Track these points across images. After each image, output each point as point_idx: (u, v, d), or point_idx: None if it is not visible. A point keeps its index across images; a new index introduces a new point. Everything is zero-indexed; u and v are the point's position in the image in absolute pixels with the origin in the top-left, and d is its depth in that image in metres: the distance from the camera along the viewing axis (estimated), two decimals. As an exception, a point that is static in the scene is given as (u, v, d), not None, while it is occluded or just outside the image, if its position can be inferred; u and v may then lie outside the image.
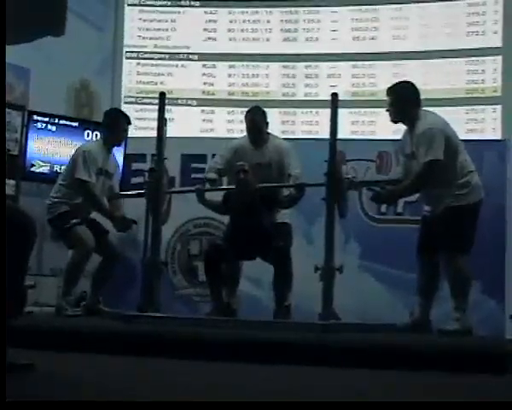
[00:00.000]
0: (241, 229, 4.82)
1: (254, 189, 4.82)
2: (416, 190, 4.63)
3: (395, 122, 4.70)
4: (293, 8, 7.18)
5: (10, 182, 5.75)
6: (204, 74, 7.22)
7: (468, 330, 4.38)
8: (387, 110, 4.69)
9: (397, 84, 4.74)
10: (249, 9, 7.22)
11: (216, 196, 5.10)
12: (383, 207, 5.75)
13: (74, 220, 5.01)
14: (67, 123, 6.34)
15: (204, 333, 4.06)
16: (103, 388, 2.68)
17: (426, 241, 4.58)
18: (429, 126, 4.51)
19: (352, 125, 6.80)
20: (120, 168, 5.61)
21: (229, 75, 7.16)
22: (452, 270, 4.45)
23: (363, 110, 6.83)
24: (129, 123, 5.27)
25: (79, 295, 5.35)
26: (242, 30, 7.20)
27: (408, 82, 4.76)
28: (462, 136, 6.24)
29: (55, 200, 5.12)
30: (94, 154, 5.10)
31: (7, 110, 5.59)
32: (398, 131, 4.79)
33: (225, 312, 4.81)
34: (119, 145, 5.37)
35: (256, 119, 5.09)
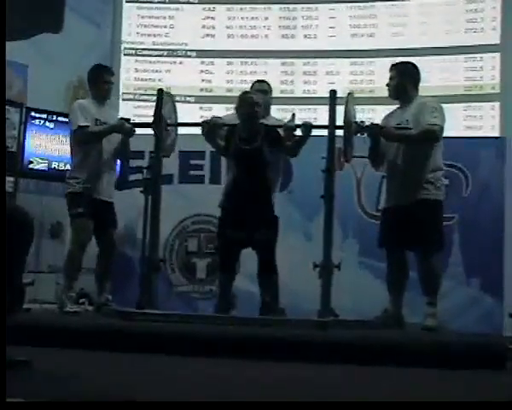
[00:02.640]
0: (245, 171, 4.71)
1: (260, 126, 4.75)
2: (416, 140, 4.53)
3: (393, 99, 4.78)
4: (291, 5, 7.18)
5: (8, 179, 5.75)
6: (202, 71, 7.22)
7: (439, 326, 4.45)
8: (387, 85, 4.78)
9: (401, 62, 4.86)
10: (247, 6, 7.21)
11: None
12: (382, 204, 5.76)
13: (79, 209, 4.95)
14: (65, 120, 6.33)
15: (202, 330, 4.06)
16: (101, 384, 2.67)
17: (395, 233, 4.55)
18: (433, 100, 4.68)
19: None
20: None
21: (228, 72, 7.16)
22: (427, 266, 4.49)
23: (361, 107, 6.82)
24: (112, 74, 5.28)
25: (79, 292, 5.34)
26: (241, 27, 7.20)
27: (412, 63, 4.85)
28: (461, 133, 6.30)
29: (69, 173, 5.09)
30: (87, 105, 5.09)
31: (5, 107, 5.58)
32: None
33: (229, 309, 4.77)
34: (105, 98, 5.23)
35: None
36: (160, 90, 4.95)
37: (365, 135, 4.68)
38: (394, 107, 4.81)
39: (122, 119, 5.22)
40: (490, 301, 5.64)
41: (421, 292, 4.54)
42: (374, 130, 4.64)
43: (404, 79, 4.70)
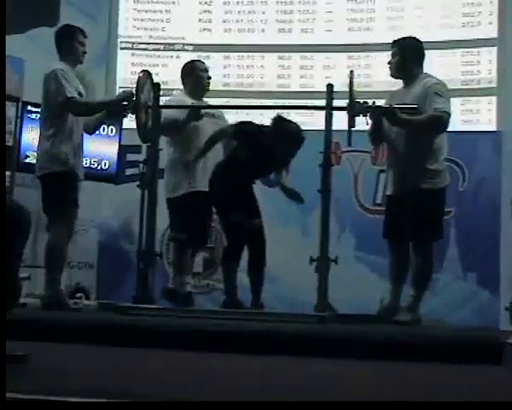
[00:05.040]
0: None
1: None
2: (421, 127, 4.38)
3: (395, 77, 4.61)
4: (288, -1, 7.17)
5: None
6: (199, 65, 7.19)
7: (418, 320, 4.38)
8: (388, 62, 4.61)
9: (403, 37, 4.63)
10: (244, 0, 7.20)
11: None
12: (378, 198, 5.76)
13: (73, 196, 4.65)
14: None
15: (199, 324, 4.06)
16: (99, 380, 2.67)
17: (399, 225, 4.45)
18: (439, 82, 4.48)
19: (347, 116, 6.77)
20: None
21: (224, 66, 7.14)
22: (424, 256, 4.41)
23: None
24: (84, 36, 4.87)
25: (75, 286, 5.32)
26: (237, 21, 7.18)
27: (415, 38, 4.65)
28: (458, 127, 6.30)
29: (51, 148, 4.64)
30: (69, 73, 4.75)
31: (1, 101, 5.54)
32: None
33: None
34: (80, 62, 4.91)
35: None
36: (157, 85, 4.92)
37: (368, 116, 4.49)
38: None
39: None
40: (486, 295, 5.66)
41: (410, 283, 4.48)
42: (377, 111, 4.45)
43: (407, 56, 4.49)
